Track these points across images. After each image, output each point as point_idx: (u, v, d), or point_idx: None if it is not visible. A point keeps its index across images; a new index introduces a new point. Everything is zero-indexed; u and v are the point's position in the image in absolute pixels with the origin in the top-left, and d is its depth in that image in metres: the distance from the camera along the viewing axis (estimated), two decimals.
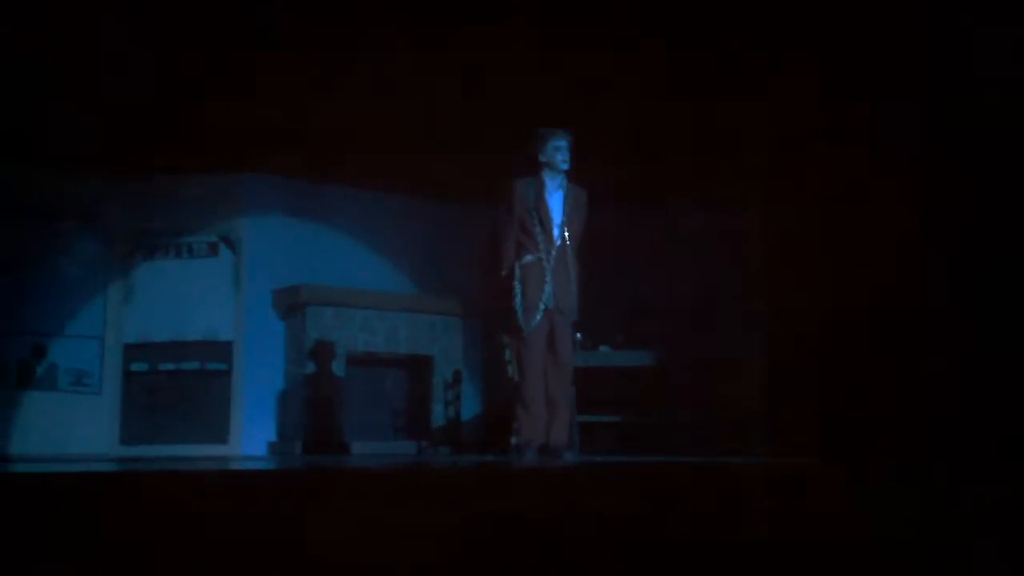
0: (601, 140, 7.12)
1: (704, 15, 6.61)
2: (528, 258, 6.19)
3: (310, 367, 8.77)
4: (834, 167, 7.30)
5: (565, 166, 6.21)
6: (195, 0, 6.54)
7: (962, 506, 4.10)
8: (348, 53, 7.15)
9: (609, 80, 7.33)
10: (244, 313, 8.93)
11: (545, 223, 6.18)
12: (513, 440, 6.17)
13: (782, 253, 7.92)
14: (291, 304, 8.90)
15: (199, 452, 8.38)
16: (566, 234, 6.21)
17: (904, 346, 6.86)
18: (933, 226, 6.73)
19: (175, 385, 8.88)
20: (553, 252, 6.18)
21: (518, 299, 6.15)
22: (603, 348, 8.74)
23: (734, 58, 6.97)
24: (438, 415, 9.35)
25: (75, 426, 8.65)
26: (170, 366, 8.91)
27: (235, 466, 5.54)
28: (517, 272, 6.19)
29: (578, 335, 7.76)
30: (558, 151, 6.19)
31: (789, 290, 7.74)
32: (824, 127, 7.17)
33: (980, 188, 6.42)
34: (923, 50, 6.49)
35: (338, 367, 8.86)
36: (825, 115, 7.15)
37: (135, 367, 8.92)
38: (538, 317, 6.12)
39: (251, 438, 8.73)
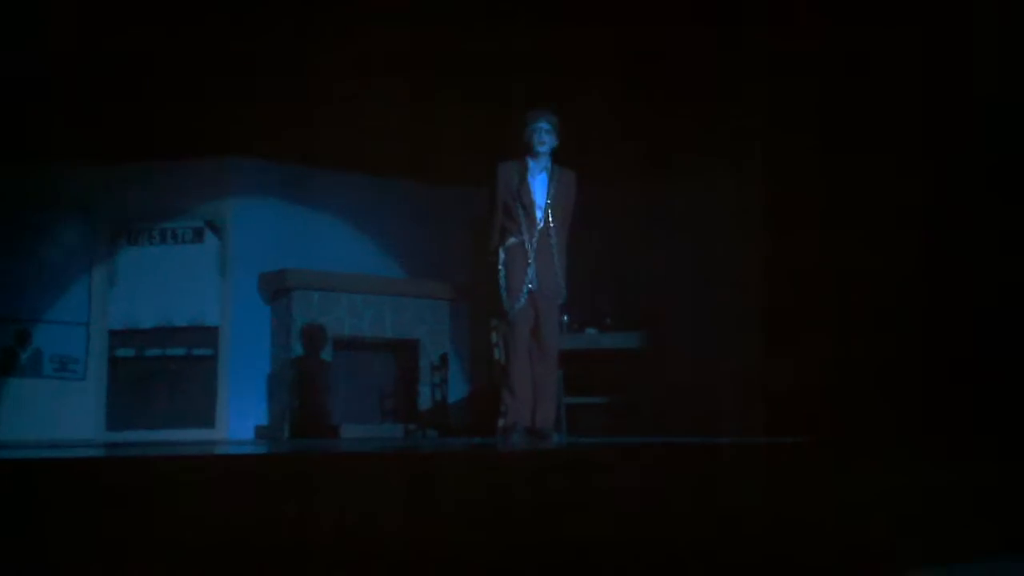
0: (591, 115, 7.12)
1: None
2: (511, 241, 6.17)
3: (297, 351, 8.77)
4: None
5: (542, 148, 6.16)
6: None
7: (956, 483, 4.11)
8: (337, 36, 7.11)
9: (599, 53, 7.30)
10: (230, 298, 8.91)
11: (527, 206, 6.16)
12: (500, 423, 6.16)
13: (778, 228, 7.84)
14: (277, 288, 8.89)
15: (186, 437, 8.38)
16: (549, 216, 6.19)
17: (907, 320, 6.81)
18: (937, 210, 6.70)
19: (161, 370, 8.86)
20: (535, 234, 6.16)
21: (502, 282, 6.14)
22: (590, 330, 8.73)
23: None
24: (425, 398, 9.35)
25: (60, 412, 8.63)
26: (156, 352, 8.89)
27: (222, 450, 5.53)
28: (501, 255, 6.19)
29: (564, 317, 7.76)
30: (536, 132, 6.15)
31: (785, 267, 7.68)
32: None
33: None
34: None
35: (325, 351, 8.85)
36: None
37: (121, 353, 8.90)
38: (522, 300, 6.11)
39: (238, 423, 8.73)
